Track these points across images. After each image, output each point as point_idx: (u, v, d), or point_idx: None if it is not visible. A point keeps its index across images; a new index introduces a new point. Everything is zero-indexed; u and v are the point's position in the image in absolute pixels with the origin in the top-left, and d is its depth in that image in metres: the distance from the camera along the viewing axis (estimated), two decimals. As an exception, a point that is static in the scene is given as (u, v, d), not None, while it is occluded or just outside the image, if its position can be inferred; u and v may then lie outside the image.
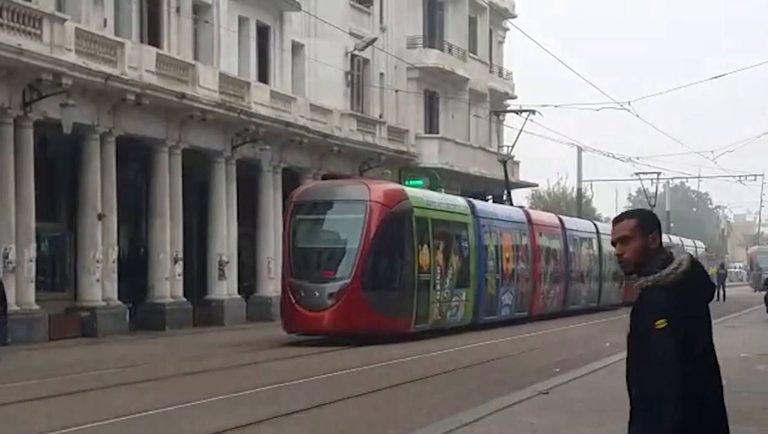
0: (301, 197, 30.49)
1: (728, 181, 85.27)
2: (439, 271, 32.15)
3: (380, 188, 31.23)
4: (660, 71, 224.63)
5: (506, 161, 50.97)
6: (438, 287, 32.05)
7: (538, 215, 46.99)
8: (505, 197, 50.15)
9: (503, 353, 26.84)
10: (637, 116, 53.99)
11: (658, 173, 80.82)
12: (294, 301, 28.65)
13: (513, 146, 51.34)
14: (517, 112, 50.79)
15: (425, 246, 31.14)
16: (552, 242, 44.93)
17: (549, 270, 43.63)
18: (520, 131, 50.14)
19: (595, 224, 55.73)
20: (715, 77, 47.11)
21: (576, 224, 52.10)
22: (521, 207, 48.54)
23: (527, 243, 41.36)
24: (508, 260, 38.86)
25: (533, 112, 49.39)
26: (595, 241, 52.04)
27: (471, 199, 39.41)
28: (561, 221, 48.34)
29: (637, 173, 78.42)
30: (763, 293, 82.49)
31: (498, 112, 50.92)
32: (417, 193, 34.03)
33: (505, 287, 38.46)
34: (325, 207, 30.54)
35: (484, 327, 34.86)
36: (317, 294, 28.49)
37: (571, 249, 47.27)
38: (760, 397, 16.43)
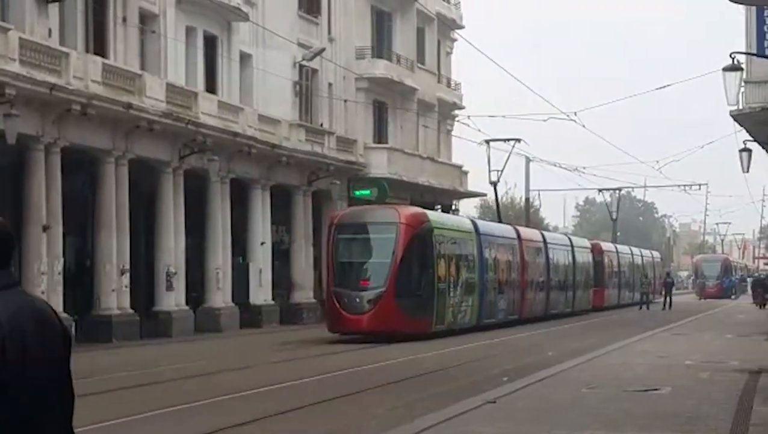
0: (341, 220, 36.23)
1: (673, 190, 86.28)
2: (452, 281, 38.03)
3: (407, 211, 37.43)
4: (606, 82, 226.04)
5: (496, 183, 55.57)
6: (451, 294, 37.97)
7: (525, 231, 51.94)
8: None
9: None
10: (584, 126, 54.62)
11: (619, 189, 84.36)
12: (338, 306, 34.43)
13: (502, 171, 55.64)
14: (504, 140, 55.00)
15: (442, 260, 37.18)
16: (536, 255, 50.53)
17: (534, 280, 49.35)
18: (508, 157, 55.42)
19: (569, 239, 61.60)
20: (660, 88, 47.55)
21: (555, 238, 58.44)
22: (511, 224, 53.42)
23: (517, 256, 46.88)
24: (503, 271, 44.68)
25: (518, 140, 55.08)
26: (570, 254, 57.42)
27: (474, 219, 45.53)
28: (543, 236, 54.71)
29: (600, 190, 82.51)
30: (703, 300, 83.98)
31: (488, 141, 53.09)
32: (435, 216, 40.46)
33: (501, 295, 44.04)
34: (362, 228, 36.04)
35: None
36: (358, 300, 34.31)
37: (551, 261, 52.78)
38: (705, 403, 16.59)
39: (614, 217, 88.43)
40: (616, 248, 73.67)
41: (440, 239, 37.31)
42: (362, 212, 37.69)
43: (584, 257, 61.32)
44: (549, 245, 53.31)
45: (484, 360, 27.98)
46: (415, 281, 35.49)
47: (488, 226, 46.23)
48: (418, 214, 37.56)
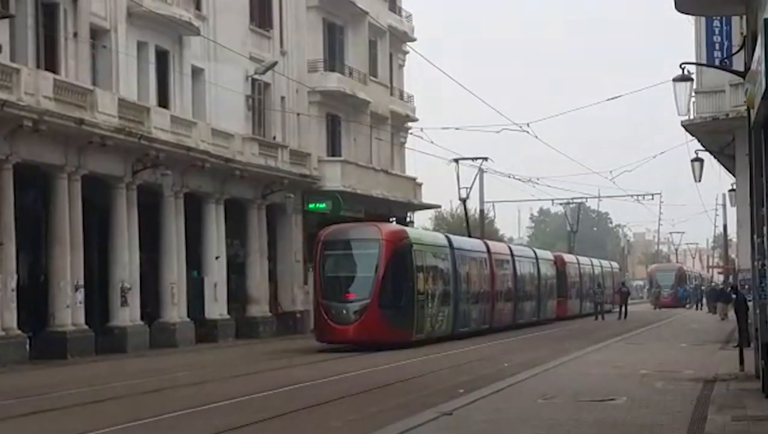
0: (328, 237, 38.51)
1: (627, 200, 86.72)
2: (430, 292, 40.51)
3: (389, 228, 41.13)
4: (559, 92, 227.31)
5: (465, 200, 57.85)
6: (430, 305, 40.40)
7: (494, 245, 54.59)
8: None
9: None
10: (536, 137, 54.90)
11: (579, 203, 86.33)
12: (326, 317, 36.85)
13: (471, 188, 58.15)
14: (472, 159, 57.57)
15: (420, 273, 39.71)
16: (505, 268, 52.95)
17: (503, 291, 51.78)
18: (476, 176, 58.74)
19: (534, 252, 63.87)
20: (612, 98, 47.87)
21: (521, 251, 60.87)
22: (481, 238, 56.43)
23: (488, 269, 49.30)
24: (475, 283, 47.18)
25: (486, 159, 57.64)
26: (535, 266, 59.72)
27: (448, 235, 47.66)
28: (510, 249, 57.58)
29: (561, 203, 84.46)
30: (658, 309, 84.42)
31: (457, 160, 56.51)
32: (414, 232, 44.28)
33: (474, 305, 46.42)
34: (347, 244, 38.53)
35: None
36: (344, 312, 36.69)
37: (518, 273, 55.04)
38: (660, 413, 16.70)
39: (574, 229, 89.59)
40: (577, 259, 75.95)
41: (419, 254, 39.85)
42: (347, 230, 39.86)
43: (548, 268, 63.68)
44: (516, 258, 55.53)
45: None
46: (397, 293, 37.83)
47: (461, 241, 48.10)
48: (398, 231, 41.16)
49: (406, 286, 38.37)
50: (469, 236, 53.51)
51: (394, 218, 61.51)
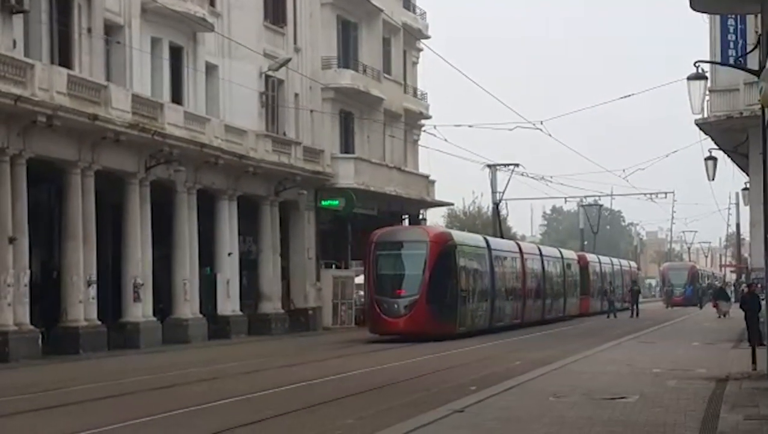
0: (380, 238, 42.37)
1: (640, 199, 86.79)
2: (471, 289, 44.17)
3: (435, 231, 45.74)
4: (572, 90, 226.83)
5: (498, 204, 63.20)
6: (471, 301, 44.06)
7: (525, 246, 58.92)
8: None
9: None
10: (550, 135, 54.87)
11: (600, 205, 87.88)
12: (379, 311, 40.69)
13: (504, 192, 63.68)
14: (505, 165, 62.90)
15: (463, 272, 43.38)
16: (535, 267, 56.28)
17: (534, 288, 55.13)
18: (508, 181, 62.75)
19: (560, 251, 66.81)
20: (625, 96, 47.83)
21: (549, 251, 63.87)
22: (513, 240, 61.52)
23: (520, 268, 52.85)
24: (509, 281, 50.75)
25: (517, 165, 62.85)
26: (560, 264, 62.60)
27: (486, 237, 51.27)
28: (539, 250, 61.07)
29: (583, 205, 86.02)
30: (670, 308, 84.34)
31: (491, 165, 61.68)
32: (457, 235, 47.61)
33: (508, 301, 49.92)
34: (398, 245, 42.26)
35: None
36: (396, 306, 40.47)
37: (547, 271, 58.32)
38: (673, 411, 16.67)
39: (594, 230, 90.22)
40: (598, 258, 78.13)
41: (461, 254, 43.50)
42: (398, 232, 44.92)
43: (573, 267, 66.61)
44: (544, 258, 58.79)
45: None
46: (443, 290, 41.30)
47: (497, 242, 52.05)
48: (443, 233, 45.41)
49: (451, 283, 41.82)
50: (501, 237, 57.19)
51: (407, 216, 61.55)
